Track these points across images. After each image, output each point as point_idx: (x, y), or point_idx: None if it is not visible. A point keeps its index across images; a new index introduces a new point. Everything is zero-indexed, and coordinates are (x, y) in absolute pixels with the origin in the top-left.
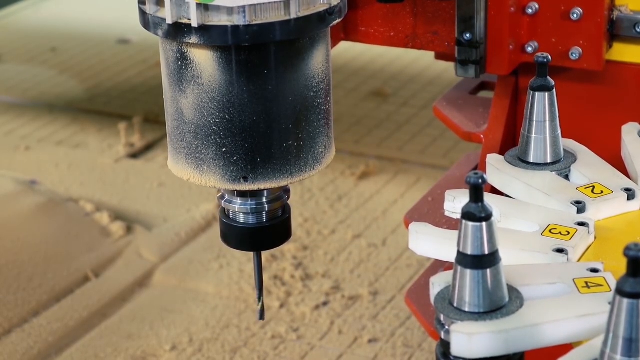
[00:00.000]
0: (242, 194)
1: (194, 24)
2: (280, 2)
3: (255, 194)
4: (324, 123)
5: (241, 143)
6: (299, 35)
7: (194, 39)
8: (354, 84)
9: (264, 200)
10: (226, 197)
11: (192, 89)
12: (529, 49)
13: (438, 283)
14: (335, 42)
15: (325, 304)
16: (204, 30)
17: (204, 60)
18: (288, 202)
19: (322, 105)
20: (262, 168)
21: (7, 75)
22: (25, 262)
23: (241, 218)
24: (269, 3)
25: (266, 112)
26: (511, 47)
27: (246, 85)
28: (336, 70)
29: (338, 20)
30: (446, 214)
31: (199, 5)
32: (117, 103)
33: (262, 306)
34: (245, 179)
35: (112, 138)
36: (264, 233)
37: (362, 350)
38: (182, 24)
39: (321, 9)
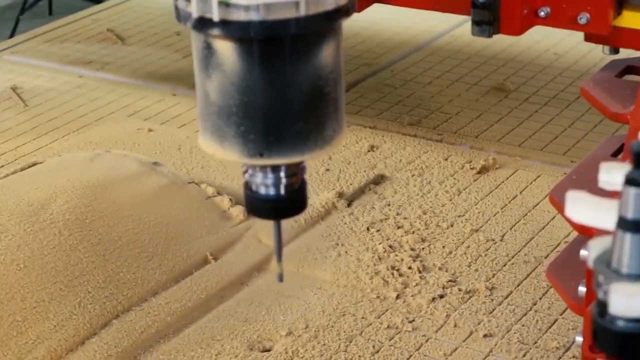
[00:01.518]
0: (262, 169)
1: (215, 19)
2: (292, 2)
3: (274, 169)
4: (333, 109)
5: (257, 123)
6: (308, 31)
7: (216, 32)
8: (476, 78)
9: (282, 175)
10: (249, 171)
11: (216, 74)
12: (542, 14)
13: (595, 247)
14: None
15: (441, 296)
16: (224, 24)
17: (225, 50)
18: (305, 177)
19: (332, 93)
20: (276, 146)
21: (132, 57)
22: (146, 242)
23: (262, 190)
24: (281, 3)
25: (279, 98)
26: (525, 11)
27: (261, 73)
28: (458, 64)
29: (345, 19)
30: (601, 185)
31: (220, 2)
32: None
33: (282, 270)
34: (261, 155)
35: None
36: (281, 204)
37: (476, 344)
38: (206, 18)
39: (329, 7)
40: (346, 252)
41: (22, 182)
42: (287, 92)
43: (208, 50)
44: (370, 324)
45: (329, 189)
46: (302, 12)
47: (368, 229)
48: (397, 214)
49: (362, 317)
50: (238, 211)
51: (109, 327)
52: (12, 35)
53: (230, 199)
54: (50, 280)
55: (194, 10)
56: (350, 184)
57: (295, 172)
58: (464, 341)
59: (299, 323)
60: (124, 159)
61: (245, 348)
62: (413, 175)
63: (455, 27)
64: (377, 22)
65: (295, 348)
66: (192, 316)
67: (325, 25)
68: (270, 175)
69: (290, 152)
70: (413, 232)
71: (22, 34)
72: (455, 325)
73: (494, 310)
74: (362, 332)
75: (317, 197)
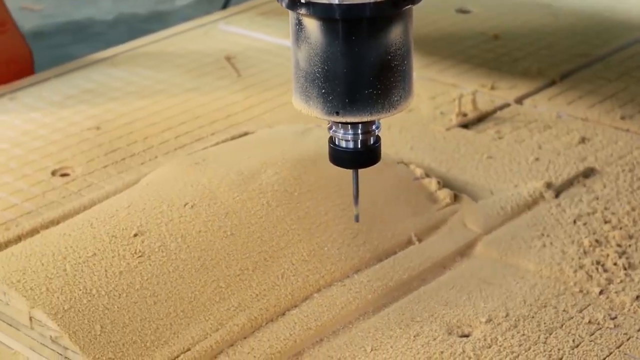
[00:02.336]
0: (343, 126)
1: (303, 0)
2: None
3: (352, 127)
4: (400, 79)
5: (335, 87)
6: (376, 14)
7: (303, 11)
8: None
9: (359, 132)
10: (333, 128)
11: (304, 45)
12: None
13: None
14: None
15: None
16: (310, 5)
17: (311, 26)
18: (379, 134)
19: (399, 66)
20: (349, 107)
21: None
22: (352, 218)
23: (342, 144)
24: None
25: (353, 67)
26: None
27: (339, 46)
28: None
29: (410, 6)
30: None
31: None
32: (451, 72)
33: (358, 212)
34: (337, 113)
35: (445, 106)
36: (358, 156)
37: None
38: None
39: None
40: (551, 243)
41: (233, 150)
42: (360, 63)
43: (298, 25)
44: (572, 318)
45: (538, 178)
46: None
47: (575, 221)
48: (605, 209)
49: (564, 310)
50: (445, 194)
51: (310, 301)
52: (225, 6)
53: (438, 182)
54: (255, 249)
55: None
56: (559, 175)
57: (369, 130)
58: None
59: (500, 311)
60: None
61: (444, 332)
62: (623, 171)
63: None
64: (593, 14)
65: (494, 336)
66: (393, 296)
67: (392, 10)
68: (349, 132)
69: (362, 113)
70: (620, 228)
71: (238, 5)
72: None
73: None
74: (562, 325)
75: (525, 185)
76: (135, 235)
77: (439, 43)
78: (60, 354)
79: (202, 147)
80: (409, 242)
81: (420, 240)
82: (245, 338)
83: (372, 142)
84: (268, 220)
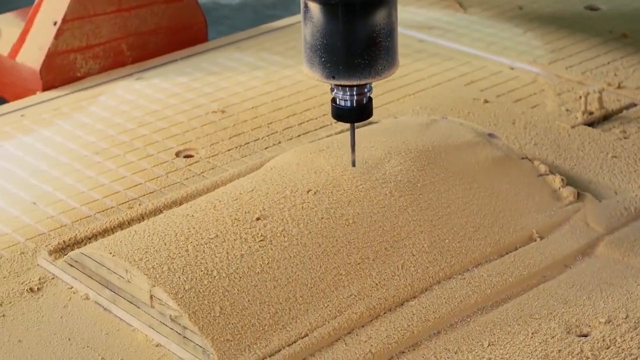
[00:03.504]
0: (342, 88)
1: None
2: None
3: (349, 89)
4: (384, 52)
5: (331, 57)
6: (365, 0)
7: None
8: None
9: (354, 93)
10: (334, 90)
11: (309, 23)
12: None
13: None
14: None
15: None
16: None
17: (314, 9)
18: (370, 96)
19: (383, 42)
20: (343, 72)
21: (473, 27)
22: (474, 212)
23: (342, 103)
24: None
25: (346, 41)
26: None
27: (335, 25)
28: None
29: None
30: None
31: None
32: (578, 69)
33: (354, 159)
34: (333, 77)
35: (571, 103)
36: (354, 112)
37: None
38: None
39: None
40: None
41: (357, 139)
42: (351, 39)
43: (306, 7)
44: None
45: None
46: None
47: None
48: None
49: None
50: (568, 192)
51: (429, 292)
52: None
53: (562, 179)
54: (376, 239)
55: None
56: None
57: (362, 92)
58: None
59: (620, 312)
60: (459, 128)
61: (562, 330)
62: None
63: None
64: None
65: (613, 337)
66: (512, 292)
67: None
68: (347, 93)
69: (352, 77)
70: None
71: None
72: None
73: None
74: None
75: None
76: (258, 219)
77: (566, 39)
78: (179, 334)
79: (326, 134)
80: (531, 239)
81: (541, 237)
82: (363, 326)
83: (364, 102)
84: (390, 210)
